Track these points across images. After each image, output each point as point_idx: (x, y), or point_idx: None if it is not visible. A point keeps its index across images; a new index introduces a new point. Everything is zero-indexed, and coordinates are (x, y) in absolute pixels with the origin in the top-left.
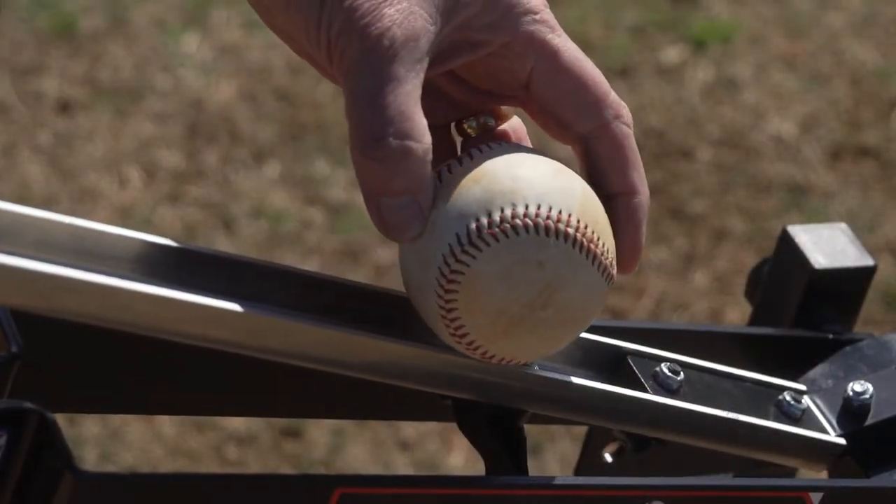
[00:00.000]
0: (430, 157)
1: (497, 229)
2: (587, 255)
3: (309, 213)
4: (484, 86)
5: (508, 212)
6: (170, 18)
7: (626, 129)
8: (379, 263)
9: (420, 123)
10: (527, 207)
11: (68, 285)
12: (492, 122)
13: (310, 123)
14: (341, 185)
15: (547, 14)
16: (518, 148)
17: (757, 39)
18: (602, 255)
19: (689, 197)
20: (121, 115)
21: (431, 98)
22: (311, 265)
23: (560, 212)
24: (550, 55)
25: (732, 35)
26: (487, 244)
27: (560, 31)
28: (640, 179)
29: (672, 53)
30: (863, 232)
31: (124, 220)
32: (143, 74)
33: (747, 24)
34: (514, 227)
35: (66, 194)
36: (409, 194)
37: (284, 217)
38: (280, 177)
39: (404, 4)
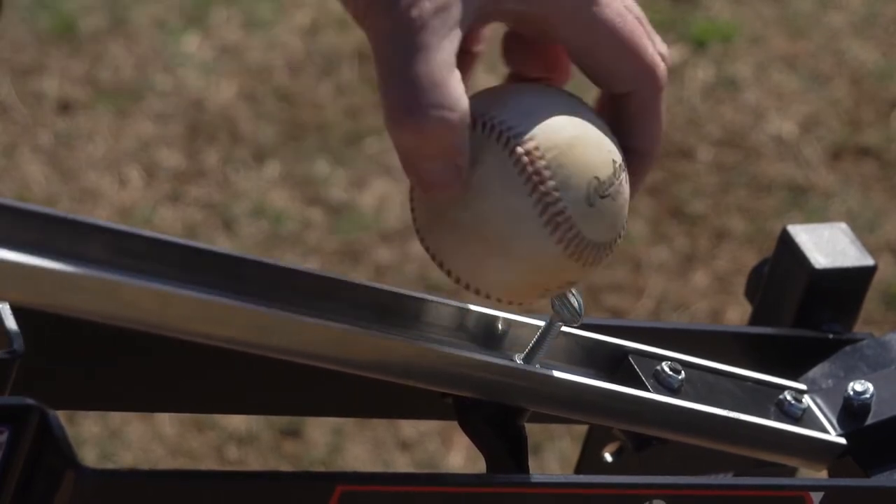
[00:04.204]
0: (466, 121)
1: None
2: (525, 182)
3: (309, 213)
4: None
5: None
6: (170, 18)
7: (658, 90)
8: (379, 263)
9: (454, 91)
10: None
11: (72, 282)
12: None
13: (310, 123)
14: (341, 185)
15: None
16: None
17: (757, 39)
18: (546, 194)
19: (690, 197)
20: (121, 115)
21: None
22: (311, 265)
23: (526, 133)
24: (585, 27)
25: (732, 35)
26: None
27: None
28: (659, 140)
29: (672, 53)
30: (863, 232)
31: (124, 220)
32: (144, 74)
33: (747, 24)
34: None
35: (66, 194)
36: (445, 158)
37: (284, 217)
38: (280, 177)
39: None
